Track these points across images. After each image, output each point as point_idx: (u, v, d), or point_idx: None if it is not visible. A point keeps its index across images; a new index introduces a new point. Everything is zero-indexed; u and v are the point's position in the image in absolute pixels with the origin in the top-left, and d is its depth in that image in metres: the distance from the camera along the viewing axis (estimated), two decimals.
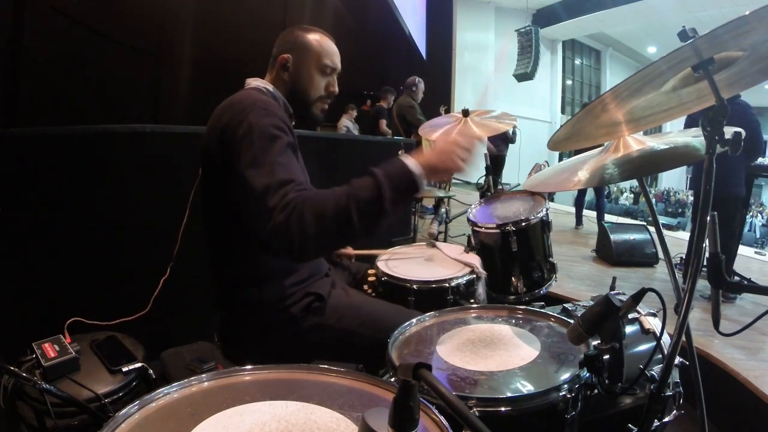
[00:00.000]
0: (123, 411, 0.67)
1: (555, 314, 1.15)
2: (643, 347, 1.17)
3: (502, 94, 12.51)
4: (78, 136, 1.93)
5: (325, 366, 0.83)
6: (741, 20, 0.70)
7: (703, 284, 2.55)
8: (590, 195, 6.28)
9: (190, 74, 4.84)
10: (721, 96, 0.82)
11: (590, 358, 0.86)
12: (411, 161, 0.96)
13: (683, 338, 0.90)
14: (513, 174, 7.74)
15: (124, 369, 1.28)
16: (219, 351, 1.31)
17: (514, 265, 1.92)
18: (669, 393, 1.08)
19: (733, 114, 0.82)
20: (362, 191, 0.93)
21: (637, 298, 0.87)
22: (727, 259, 2.74)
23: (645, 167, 1.11)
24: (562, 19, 12.68)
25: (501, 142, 6.20)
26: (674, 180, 15.57)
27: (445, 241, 3.21)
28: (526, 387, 0.87)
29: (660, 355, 1.11)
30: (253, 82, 1.29)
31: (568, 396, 0.84)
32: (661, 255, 3.79)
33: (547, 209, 1.96)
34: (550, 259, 2.00)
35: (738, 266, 3.40)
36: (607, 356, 0.87)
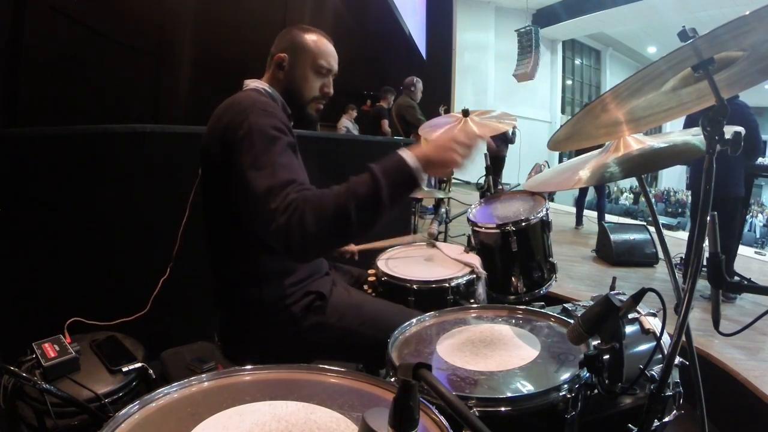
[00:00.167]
0: (123, 411, 0.67)
1: (555, 314, 1.15)
2: (643, 347, 1.17)
3: (502, 94, 12.51)
4: (78, 136, 1.93)
5: (325, 366, 0.83)
6: (741, 20, 0.70)
7: (703, 284, 2.55)
8: (590, 195, 6.28)
9: (190, 74, 4.85)
10: (721, 96, 0.82)
11: (590, 358, 0.86)
12: (408, 155, 0.96)
13: (683, 338, 0.90)
14: (513, 174, 7.73)
15: (124, 369, 1.28)
16: (219, 351, 1.31)
17: (514, 265, 1.92)
18: (669, 393, 1.08)
19: (731, 114, 0.82)
20: (360, 188, 0.93)
21: (637, 298, 0.87)
22: (727, 259, 2.75)
23: (645, 165, 1.11)
24: (562, 19, 12.68)
25: (501, 142, 6.20)
26: (674, 180, 15.56)
27: (445, 241, 3.21)
28: (526, 387, 0.87)
29: (660, 355, 1.11)
30: (251, 84, 1.29)
31: (568, 396, 0.84)
32: (661, 255, 3.79)
33: (547, 209, 1.96)
34: (550, 259, 2.00)
35: (738, 266, 3.40)
36: (607, 356, 0.87)
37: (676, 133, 1.24)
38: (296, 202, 0.94)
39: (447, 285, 1.50)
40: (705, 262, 0.90)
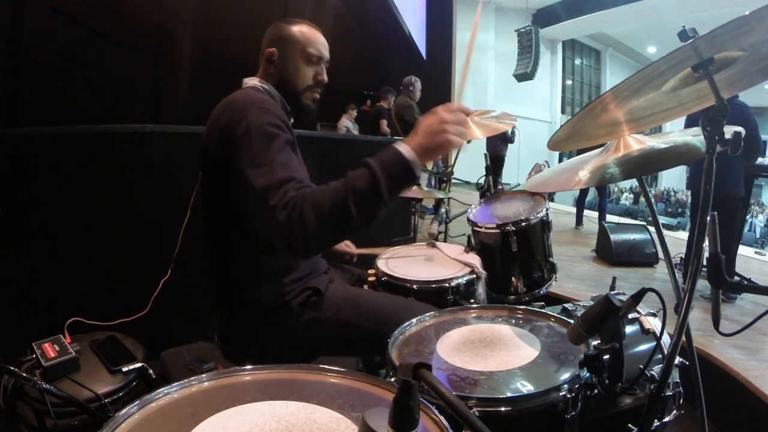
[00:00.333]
0: (123, 411, 0.67)
1: (555, 314, 1.15)
2: (643, 347, 1.17)
3: (502, 94, 12.51)
4: (78, 136, 1.93)
5: (325, 366, 0.83)
6: (741, 20, 0.70)
7: (703, 284, 2.55)
8: (591, 195, 6.29)
9: (190, 74, 4.85)
10: (721, 96, 0.82)
11: (590, 358, 0.86)
12: (403, 147, 0.95)
13: (683, 338, 0.90)
14: (513, 174, 7.73)
15: (124, 369, 1.28)
16: (219, 351, 1.31)
17: (514, 265, 1.92)
18: (669, 393, 1.08)
19: (731, 114, 0.82)
20: (358, 182, 0.93)
21: (637, 298, 0.87)
22: (727, 259, 2.75)
23: (645, 166, 1.11)
24: (562, 19, 12.68)
25: (500, 142, 6.21)
26: (674, 180, 15.56)
27: (445, 241, 3.20)
28: (526, 387, 0.86)
29: (660, 355, 1.11)
30: (250, 81, 1.29)
31: (568, 396, 0.84)
32: (661, 255, 3.79)
33: (547, 209, 1.96)
34: (550, 259, 2.00)
35: (738, 266, 3.40)
36: (607, 356, 0.87)
37: (675, 133, 1.24)
38: (295, 199, 0.94)
39: (447, 285, 1.50)
40: (705, 262, 0.90)
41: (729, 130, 0.83)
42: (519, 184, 3.81)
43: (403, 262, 1.70)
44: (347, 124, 6.63)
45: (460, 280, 1.52)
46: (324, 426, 0.67)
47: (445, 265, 1.67)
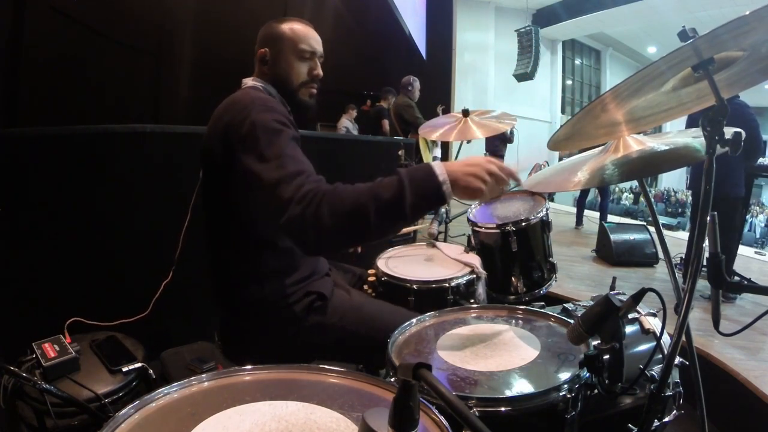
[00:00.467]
0: (123, 411, 0.67)
1: (555, 314, 1.15)
2: (643, 347, 1.17)
3: (502, 94, 12.50)
4: (78, 136, 1.93)
5: (325, 366, 0.83)
6: (741, 20, 0.70)
7: (703, 284, 2.55)
8: (591, 195, 6.28)
9: (190, 74, 4.85)
10: (721, 96, 0.82)
11: (590, 358, 0.86)
12: (439, 168, 0.93)
13: (683, 338, 0.90)
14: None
15: (124, 369, 1.28)
16: (219, 351, 1.31)
17: (514, 265, 1.92)
18: (669, 393, 1.08)
19: (731, 114, 0.82)
20: (384, 192, 0.91)
21: (637, 298, 0.87)
22: (727, 259, 2.74)
23: (645, 168, 1.11)
24: (562, 19, 12.67)
25: (499, 142, 6.22)
26: (674, 180, 15.55)
27: (445, 241, 3.20)
28: (526, 387, 0.87)
29: (660, 355, 1.11)
30: (249, 82, 1.30)
31: (568, 396, 0.84)
32: (661, 255, 3.79)
33: (547, 209, 1.96)
34: (550, 259, 2.00)
35: (738, 266, 3.40)
36: (607, 356, 0.87)
37: (675, 133, 1.24)
38: (312, 193, 0.92)
39: (447, 285, 1.50)
40: (705, 262, 0.90)
41: (729, 131, 0.83)
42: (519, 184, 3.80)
43: (403, 262, 1.70)
44: (347, 124, 6.63)
45: (460, 280, 1.52)
46: (324, 426, 0.67)
47: (445, 265, 1.67)
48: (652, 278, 3.62)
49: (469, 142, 2.42)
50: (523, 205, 2.10)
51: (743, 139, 0.83)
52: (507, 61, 11.68)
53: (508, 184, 0.98)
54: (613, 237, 3.91)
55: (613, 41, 15.34)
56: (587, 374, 0.88)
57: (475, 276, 1.57)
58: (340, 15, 7.13)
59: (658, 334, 1.12)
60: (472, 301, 1.55)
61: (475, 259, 1.67)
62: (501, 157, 6.56)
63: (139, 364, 1.31)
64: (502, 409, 0.81)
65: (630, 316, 1.18)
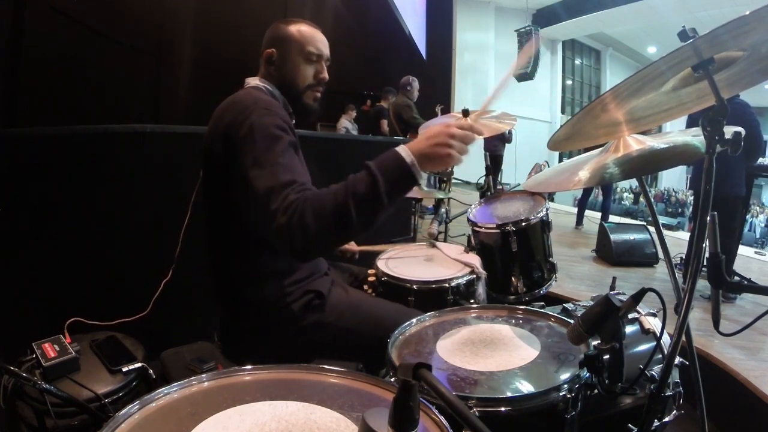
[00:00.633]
0: (123, 411, 0.67)
1: (555, 314, 1.15)
2: (643, 347, 1.17)
3: (502, 94, 12.50)
4: (78, 136, 1.93)
5: (325, 366, 0.83)
6: (741, 20, 0.70)
7: (703, 284, 2.55)
8: (592, 196, 6.27)
9: (190, 74, 4.85)
10: (721, 96, 0.82)
11: (590, 358, 0.86)
12: (404, 150, 0.95)
13: (683, 338, 0.90)
14: (512, 174, 7.73)
15: (124, 369, 1.28)
16: (219, 351, 1.31)
17: (514, 265, 1.92)
18: (669, 393, 1.08)
19: (731, 113, 0.82)
20: (359, 185, 0.93)
21: (637, 298, 0.87)
22: (727, 259, 2.74)
23: (645, 166, 1.11)
24: (562, 19, 12.68)
25: (498, 141, 6.22)
26: (674, 180, 15.57)
27: (445, 241, 3.21)
28: (526, 387, 0.87)
29: (660, 355, 1.11)
30: (252, 81, 1.29)
31: (568, 396, 0.84)
32: (661, 255, 3.78)
33: (547, 209, 1.96)
34: (550, 259, 2.00)
35: (738, 266, 3.40)
36: (607, 356, 0.87)
37: (675, 133, 1.24)
38: (296, 202, 0.93)
39: (447, 285, 1.50)
40: (705, 262, 0.90)
41: (729, 130, 0.83)
42: (519, 184, 3.81)
43: (403, 262, 1.70)
44: (346, 124, 6.64)
45: (460, 280, 1.52)
46: (324, 426, 0.67)
47: (445, 265, 1.67)
48: (652, 278, 3.62)
49: None
50: (523, 205, 2.10)
51: (743, 138, 0.83)
52: (507, 61, 11.68)
53: (473, 139, 0.99)
54: (613, 237, 3.91)
55: (613, 41, 15.35)
56: (587, 374, 0.88)
57: (475, 276, 1.57)
58: (340, 15, 7.13)
59: (658, 334, 1.12)
60: (472, 301, 1.55)
61: (475, 259, 1.67)
62: (500, 156, 6.57)
63: (139, 364, 1.31)
64: (502, 409, 0.81)
65: (630, 316, 1.18)
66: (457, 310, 1.23)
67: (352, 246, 1.74)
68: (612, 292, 0.92)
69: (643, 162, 1.10)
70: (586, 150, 1.37)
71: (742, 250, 4.01)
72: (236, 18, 4.95)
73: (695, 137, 1.06)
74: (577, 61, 16.03)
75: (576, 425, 0.86)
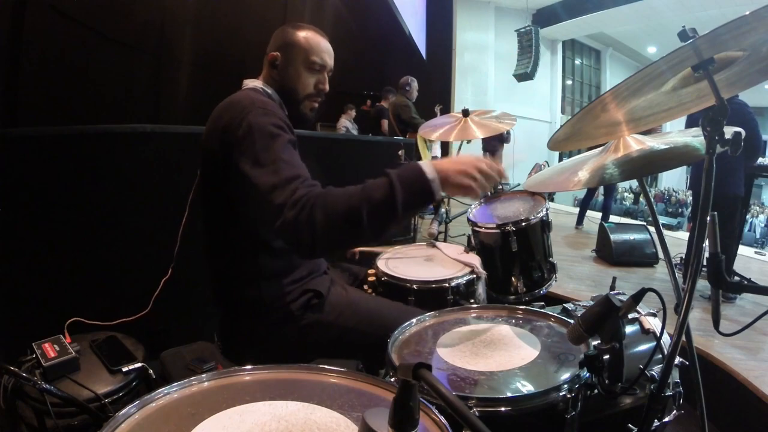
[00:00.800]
0: (123, 411, 0.67)
1: (555, 314, 1.15)
2: (643, 347, 1.17)
3: (502, 94, 12.50)
4: (78, 136, 1.93)
5: (325, 366, 0.83)
6: (741, 20, 0.70)
7: (703, 284, 2.55)
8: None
9: (190, 74, 4.85)
10: (721, 96, 0.82)
11: (590, 358, 0.86)
12: (428, 167, 0.95)
13: (683, 338, 0.90)
14: (510, 174, 7.73)
15: (124, 369, 1.27)
16: (219, 351, 1.31)
17: (514, 265, 1.92)
18: (669, 393, 1.08)
19: (730, 114, 0.82)
20: (376, 192, 0.92)
21: (637, 298, 0.87)
22: (727, 259, 2.74)
23: (645, 167, 1.11)
24: (562, 19, 12.67)
25: (497, 141, 6.23)
26: (674, 180, 15.55)
27: (445, 241, 3.20)
28: (526, 387, 0.87)
29: (660, 355, 1.11)
30: (250, 83, 1.29)
31: (568, 396, 0.84)
32: (661, 255, 3.78)
33: (547, 209, 1.96)
34: (550, 259, 2.00)
35: (738, 266, 3.40)
36: (607, 356, 0.87)
37: (675, 133, 1.24)
38: (306, 197, 0.93)
39: (447, 285, 1.50)
40: (705, 262, 0.90)
41: (729, 131, 0.83)
42: (519, 184, 3.81)
43: (403, 262, 1.70)
44: (346, 124, 6.64)
45: (460, 280, 1.52)
46: (324, 426, 0.67)
47: (445, 265, 1.67)
48: (652, 278, 3.62)
49: (469, 142, 2.42)
50: (523, 205, 2.10)
51: (743, 138, 0.83)
52: (507, 61, 11.68)
53: (497, 181, 1.01)
54: (613, 237, 3.91)
55: (613, 41, 15.34)
56: (587, 374, 0.88)
57: (475, 276, 1.57)
58: (340, 15, 7.14)
59: (658, 334, 1.12)
60: (472, 301, 1.55)
61: (475, 259, 1.67)
62: (499, 156, 6.58)
63: (139, 364, 1.30)
64: (502, 409, 0.81)
65: (630, 316, 1.18)
66: (457, 310, 1.22)
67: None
68: (612, 292, 0.92)
69: (643, 162, 1.10)
70: (590, 149, 1.37)
71: (742, 250, 4.01)
72: (236, 18, 4.96)
73: (695, 138, 1.06)
74: (577, 61, 16.02)
75: (576, 425, 0.86)
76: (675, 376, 1.14)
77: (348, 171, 0.98)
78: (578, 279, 3.47)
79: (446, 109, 6.99)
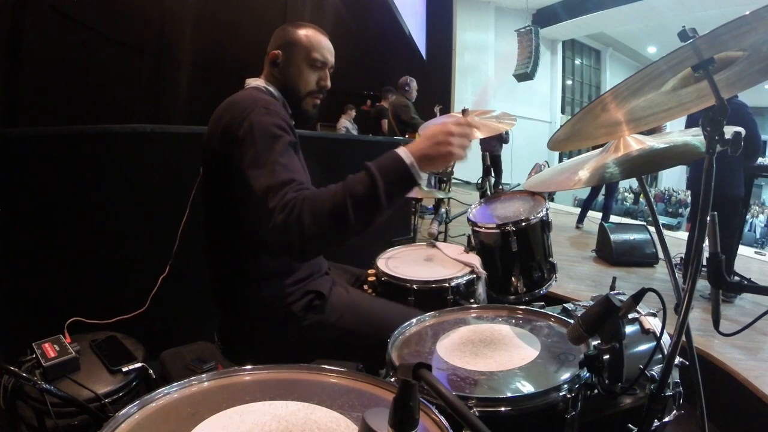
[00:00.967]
0: (123, 411, 0.67)
1: (555, 314, 1.15)
2: (643, 347, 1.17)
3: (502, 94, 12.51)
4: (78, 136, 1.93)
5: (325, 366, 0.83)
6: (741, 20, 0.70)
7: (703, 284, 2.55)
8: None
9: (190, 74, 4.85)
10: (721, 96, 0.82)
11: (590, 358, 0.86)
12: (403, 152, 0.95)
13: (683, 338, 0.90)
14: (509, 174, 7.73)
15: (124, 369, 1.27)
16: (219, 351, 1.31)
17: (514, 265, 1.92)
18: (669, 393, 1.07)
19: (730, 114, 0.82)
20: (357, 186, 0.93)
21: (637, 298, 0.87)
22: (727, 259, 2.74)
23: (645, 166, 1.11)
24: (562, 19, 12.68)
25: (496, 141, 6.23)
26: (674, 180, 15.56)
27: (445, 241, 3.20)
28: (526, 387, 0.87)
29: (660, 355, 1.11)
30: (253, 82, 1.30)
31: (568, 396, 0.84)
32: (661, 255, 3.79)
33: (547, 209, 1.96)
34: (550, 259, 2.00)
35: (738, 266, 3.40)
36: (607, 356, 0.87)
37: (675, 133, 1.24)
38: (294, 201, 0.93)
39: (447, 285, 1.50)
40: (705, 262, 0.90)
41: (729, 130, 0.83)
42: (519, 184, 3.81)
43: (403, 262, 1.70)
44: (346, 124, 6.64)
45: (460, 280, 1.52)
46: (324, 426, 0.67)
47: (445, 265, 1.67)
48: (652, 278, 3.62)
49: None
50: (523, 205, 2.10)
51: (743, 138, 0.83)
52: (507, 61, 11.68)
53: (472, 135, 1.00)
54: (613, 237, 3.91)
55: (613, 41, 15.35)
56: (587, 374, 0.88)
57: (475, 276, 1.57)
58: (340, 15, 7.14)
59: (658, 334, 1.12)
60: (472, 301, 1.55)
61: (475, 259, 1.67)
62: (498, 156, 6.59)
63: (139, 364, 1.30)
64: (502, 409, 0.81)
65: (630, 316, 1.18)
66: (457, 310, 1.23)
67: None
68: (612, 292, 0.92)
69: (643, 162, 1.10)
70: (595, 148, 1.37)
71: (742, 250, 4.01)
72: (236, 18, 4.96)
73: (695, 137, 1.06)
74: (577, 61, 16.03)
75: (576, 425, 0.86)
76: (675, 376, 1.14)
77: (348, 171, 0.97)
78: (578, 279, 3.47)
79: (446, 109, 6.99)
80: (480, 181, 2.80)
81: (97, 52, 3.43)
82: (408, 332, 1.12)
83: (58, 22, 3.04)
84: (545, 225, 1.95)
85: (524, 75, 10.89)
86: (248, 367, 0.82)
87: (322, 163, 1.52)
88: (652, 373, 0.99)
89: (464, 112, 2.33)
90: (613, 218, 5.54)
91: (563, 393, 0.84)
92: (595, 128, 1.12)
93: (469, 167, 1.01)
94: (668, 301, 0.90)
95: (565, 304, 1.32)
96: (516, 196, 2.22)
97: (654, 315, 1.22)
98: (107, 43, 3.59)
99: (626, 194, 14.96)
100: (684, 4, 10.66)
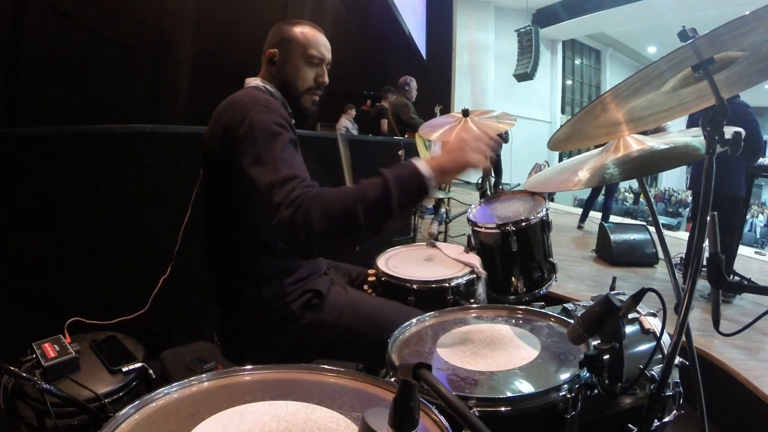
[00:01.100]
0: (123, 411, 0.67)
1: (555, 314, 1.15)
2: (643, 347, 1.17)
3: (502, 94, 12.51)
4: (78, 136, 1.93)
5: (325, 366, 0.83)
6: (741, 20, 0.70)
7: (703, 284, 2.55)
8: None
9: (190, 74, 4.85)
10: (721, 96, 0.82)
11: (590, 358, 0.86)
12: (422, 164, 0.96)
13: (683, 338, 0.90)
14: (509, 173, 7.73)
15: (124, 369, 1.27)
16: (219, 351, 1.31)
17: (514, 265, 1.92)
18: (669, 393, 1.08)
19: (731, 114, 0.82)
20: (370, 191, 0.93)
21: (637, 298, 0.87)
22: (727, 259, 2.74)
23: (645, 167, 1.11)
24: (562, 19, 12.68)
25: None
26: (674, 180, 15.56)
27: (445, 241, 3.20)
28: (526, 387, 0.87)
29: (660, 355, 1.11)
30: (252, 82, 1.30)
31: (568, 396, 0.84)
32: (661, 255, 3.78)
33: (547, 209, 1.96)
34: (550, 259, 2.00)
35: (738, 266, 3.40)
36: (607, 356, 0.87)
37: (676, 133, 1.24)
38: (302, 197, 0.93)
39: (447, 285, 1.50)
40: (705, 262, 0.90)
41: (729, 131, 0.83)
42: (519, 184, 3.81)
43: (403, 262, 1.70)
44: (346, 124, 6.64)
45: (460, 280, 1.52)
46: (324, 426, 0.67)
47: (445, 265, 1.67)
48: (652, 278, 3.62)
49: None
50: (523, 205, 2.10)
51: (743, 138, 0.83)
52: (507, 61, 11.69)
53: (491, 142, 1.01)
54: (613, 237, 3.91)
55: (613, 41, 15.35)
56: (587, 374, 0.88)
57: (475, 276, 1.57)
58: (340, 15, 7.14)
59: (658, 334, 1.12)
60: (472, 301, 1.55)
61: (475, 259, 1.67)
62: (497, 156, 6.58)
63: (139, 364, 1.30)
64: (502, 409, 0.81)
65: (630, 316, 1.18)
66: (457, 310, 1.23)
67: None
68: (612, 292, 0.92)
69: (643, 163, 1.10)
70: (597, 147, 1.37)
71: (742, 250, 4.01)
72: (236, 18, 4.96)
73: (695, 137, 1.06)
74: (577, 61, 16.03)
75: (576, 425, 0.86)
76: (675, 376, 1.14)
77: (361, 179, 0.98)
78: (578, 279, 3.47)
79: (446, 109, 6.99)
80: (480, 181, 2.80)
81: (97, 52, 3.43)
82: (408, 332, 1.12)
83: (58, 22, 3.04)
84: (545, 225, 1.95)
85: (524, 75, 10.90)
86: (248, 367, 0.82)
87: (322, 163, 1.52)
88: (652, 373, 0.99)
89: (465, 112, 2.33)
90: (613, 218, 5.54)
91: (563, 393, 0.84)
92: (595, 128, 1.12)
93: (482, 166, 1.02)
94: (668, 301, 0.90)
95: (565, 304, 1.32)
96: (516, 196, 2.22)
97: (654, 315, 1.22)
98: (107, 43, 3.59)
99: (626, 194, 14.95)
100: (684, 4, 10.66)
